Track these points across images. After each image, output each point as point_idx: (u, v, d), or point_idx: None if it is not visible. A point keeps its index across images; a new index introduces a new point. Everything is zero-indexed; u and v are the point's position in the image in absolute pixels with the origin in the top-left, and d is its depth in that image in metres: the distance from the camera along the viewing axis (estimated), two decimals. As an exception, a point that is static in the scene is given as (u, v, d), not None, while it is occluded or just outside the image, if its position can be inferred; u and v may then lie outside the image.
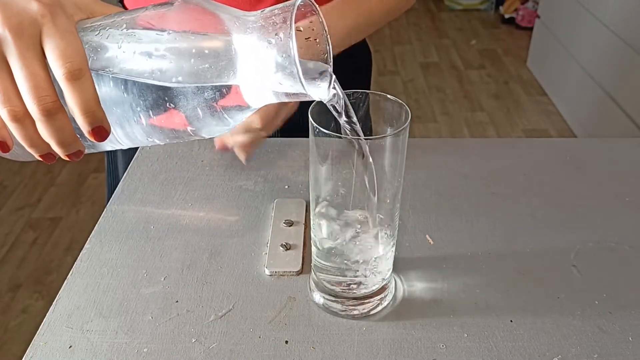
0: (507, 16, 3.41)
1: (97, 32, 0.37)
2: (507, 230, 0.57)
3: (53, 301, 0.49)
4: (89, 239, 0.55)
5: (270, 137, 0.69)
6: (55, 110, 0.34)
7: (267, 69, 0.35)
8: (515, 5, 3.38)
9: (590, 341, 0.45)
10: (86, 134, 0.36)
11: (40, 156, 0.38)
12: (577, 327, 0.47)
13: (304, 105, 0.42)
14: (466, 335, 0.46)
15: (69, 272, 0.52)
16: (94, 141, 0.36)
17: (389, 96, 0.44)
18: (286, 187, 0.63)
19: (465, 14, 3.64)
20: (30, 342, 0.45)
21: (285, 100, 0.38)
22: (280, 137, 0.72)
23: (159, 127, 0.40)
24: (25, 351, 0.44)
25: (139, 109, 0.38)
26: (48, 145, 0.37)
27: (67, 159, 0.38)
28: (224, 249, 0.54)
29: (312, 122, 0.41)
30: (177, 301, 0.49)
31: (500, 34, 3.34)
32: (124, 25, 0.37)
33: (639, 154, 0.69)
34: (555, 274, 0.52)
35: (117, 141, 0.42)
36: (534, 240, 0.55)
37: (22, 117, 0.35)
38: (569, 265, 0.53)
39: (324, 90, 0.38)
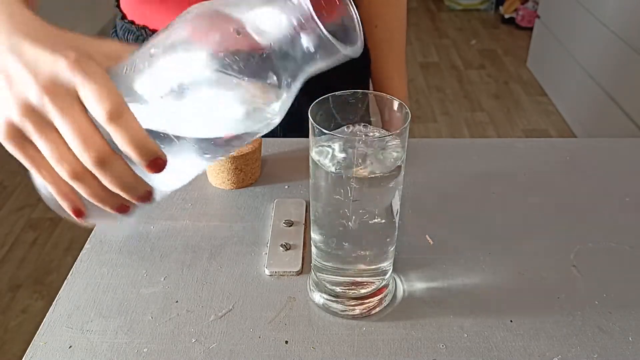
0: (507, 16, 3.41)
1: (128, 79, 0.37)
2: (507, 230, 0.57)
3: (53, 301, 0.49)
4: (89, 239, 0.55)
5: (270, 137, 0.69)
6: (107, 156, 0.34)
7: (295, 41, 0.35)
8: (515, 5, 3.38)
9: (590, 341, 0.45)
10: (144, 168, 0.35)
11: (114, 210, 0.37)
12: (577, 327, 0.47)
13: (304, 106, 0.42)
14: (466, 335, 0.46)
15: (69, 272, 0.52)
16: (154, 173, 0.35)
17: (388, 96, 0.44)
18: (286, 187, 0.63)
19: (465, 14, 3.64)
20: (30, 342, 0.45)
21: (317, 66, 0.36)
22: (280, 137, 0.72)
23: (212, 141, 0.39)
24: (25, 351, 0.44)
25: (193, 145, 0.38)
26: (116, 195, 0.36)
27: (138, 202, 0.37)
28: (224, 249, 0.54)
29: (312, 122, 0.41)
30: (177, 301, 0.49)
31: (500, 34, 3.34)
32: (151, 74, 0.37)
33: (639, 154, 0.69)
34: (555, 274, 0.52)
35: (179, 172, 0.41)
36: (534, 240, 0.55)
37: (82, 173, 0.35)
38: (569, 265, 0.53)
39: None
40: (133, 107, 0.35)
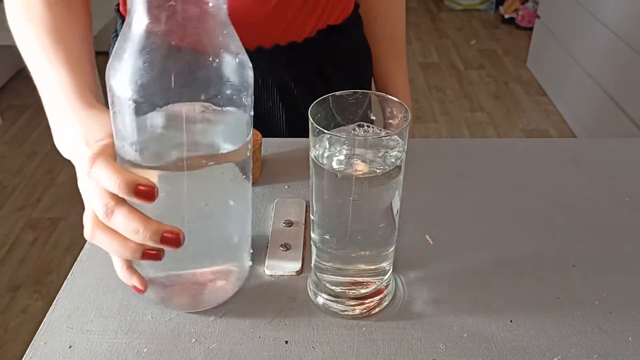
0: (507, 16, 3.41)
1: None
2: (507, 230, 0.57)
3: (53, 301, 0.49)
4: (89, 239, 0.55)
5: (270, 137, 0.69)
6: (112, 206, 0.40)
7: None
8: (515, 5, 3.38)
9: (590, 341, 0.45)
10: (134, 198, 0.39)
11: (143, 257, 0.41)
12: (577, 327, 0.47)
13: (303, 106, 0.42)
14: (466, 335, 0.46)
15: (69, 272, 0.52)
16: (144, 200, 0.39)
17: (389, 96, 0.44)
18: (286, 187, 0.63)
19: (465, 14, 3.64)
20: (30, 342, 0.45)
21: None
22: (280, 137, 0.72)
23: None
24: (25, 351, 0.44)
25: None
26: (141, 246, 0.41)
27: (168, 246, 0.40)
28: (224, 249, 0.54)
29: (312, 122, 0.41)
30: (177, 301, 0.49)
31: (500, 34, 3.34)
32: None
33: (639, 154, 0.69)
34: (555, 274, 0.52)
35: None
36: (534, 240, 0.55)
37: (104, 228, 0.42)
38: (569, 265, 0.53)
39: None
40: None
